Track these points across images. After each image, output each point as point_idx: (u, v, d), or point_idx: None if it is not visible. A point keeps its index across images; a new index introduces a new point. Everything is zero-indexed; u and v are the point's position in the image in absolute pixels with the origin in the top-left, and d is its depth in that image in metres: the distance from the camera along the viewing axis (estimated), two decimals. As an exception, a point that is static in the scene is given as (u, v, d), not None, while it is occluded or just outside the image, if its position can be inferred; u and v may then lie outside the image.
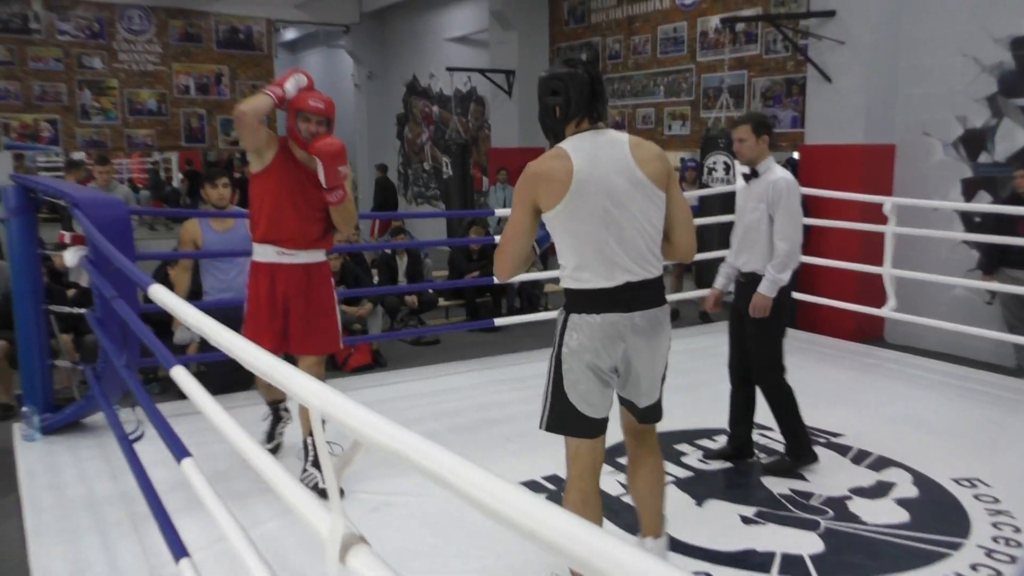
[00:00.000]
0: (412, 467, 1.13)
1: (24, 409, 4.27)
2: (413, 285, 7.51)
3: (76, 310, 4.38)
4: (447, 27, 13.63)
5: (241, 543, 1.74)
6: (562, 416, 2.46)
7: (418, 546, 3.06)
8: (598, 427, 2.48)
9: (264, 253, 3.50)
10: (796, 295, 4.21)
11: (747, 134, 3.71)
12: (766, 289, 3.65)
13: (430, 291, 7.71)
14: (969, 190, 6.37)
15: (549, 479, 3.66)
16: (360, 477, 3.55)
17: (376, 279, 7.42)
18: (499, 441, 4.14)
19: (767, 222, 3.67)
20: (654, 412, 2.61)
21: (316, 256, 3.56)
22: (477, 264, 7.91)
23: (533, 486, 3.59)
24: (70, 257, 3.82)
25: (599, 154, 2.40)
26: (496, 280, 2.75)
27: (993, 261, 5.72)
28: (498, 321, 6.10)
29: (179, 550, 2.17)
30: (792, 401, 3.78)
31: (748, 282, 3.77)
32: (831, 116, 6.85)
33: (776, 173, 3.68)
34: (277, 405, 3.96)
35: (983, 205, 6.12)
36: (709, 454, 4.02)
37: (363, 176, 15.46)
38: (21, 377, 4.51)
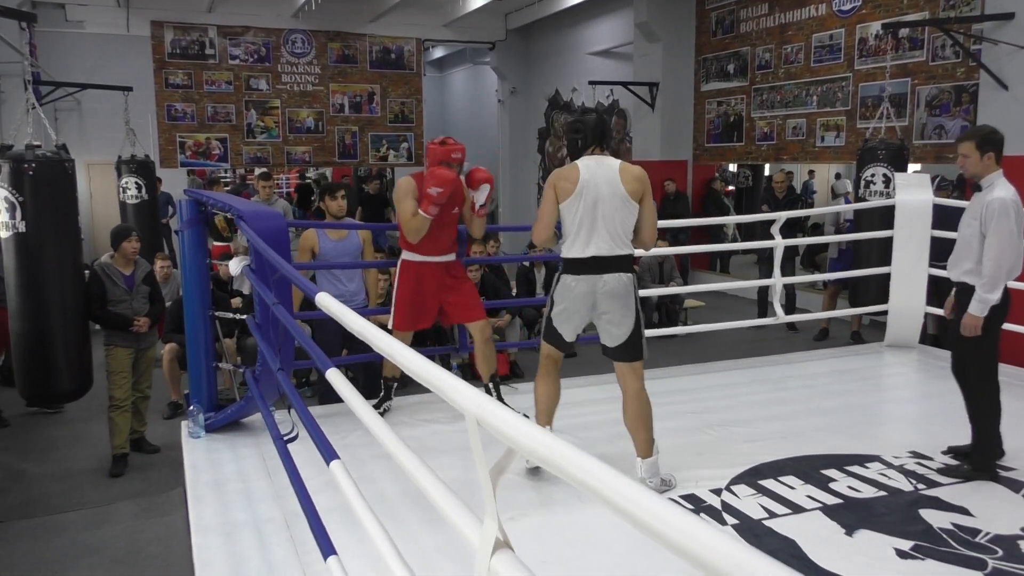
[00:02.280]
0: (561, 476, 1.13)
1: (191, 408, 4.52)
2: (552, 298, 7.53)
3: (238, 315, 4.63)
4: (590, 41, 13.66)
5: (384, 545, 1.79)
6: (549, 333, 3.75)
7: (551, 557, 3.04)
8: (567, 346, 3.77)
9: (412, 256, 4.41)
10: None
11: (971, 150, 3.75)
12: (975, 309, 3.71)
13: (569, 304, 7.71)
14: None
15: (687, 498, 3.56)
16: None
17: (514, 291, 7.50)
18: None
19: (978, 239, 3.72)
20: (622, 352, 3.63)
21: (449, 257, 4.47)
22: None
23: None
24: (234, 266, 4.08)
25: (597, 172, 3.51)
26: (535, 242, 3.72)
27: None
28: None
29: (328, 548, 2.24)
30: (997, 415, 3.79)
31: (960, 292, 3.88)
32: (1007, 126, 6.28)
33: (995, 192, 3.69)
34: (390, 383, 4.63)
35: None
36: (950, 447, 4.01)
37: (504, 189, 15.73)
38: (189, 378, 4.83)
